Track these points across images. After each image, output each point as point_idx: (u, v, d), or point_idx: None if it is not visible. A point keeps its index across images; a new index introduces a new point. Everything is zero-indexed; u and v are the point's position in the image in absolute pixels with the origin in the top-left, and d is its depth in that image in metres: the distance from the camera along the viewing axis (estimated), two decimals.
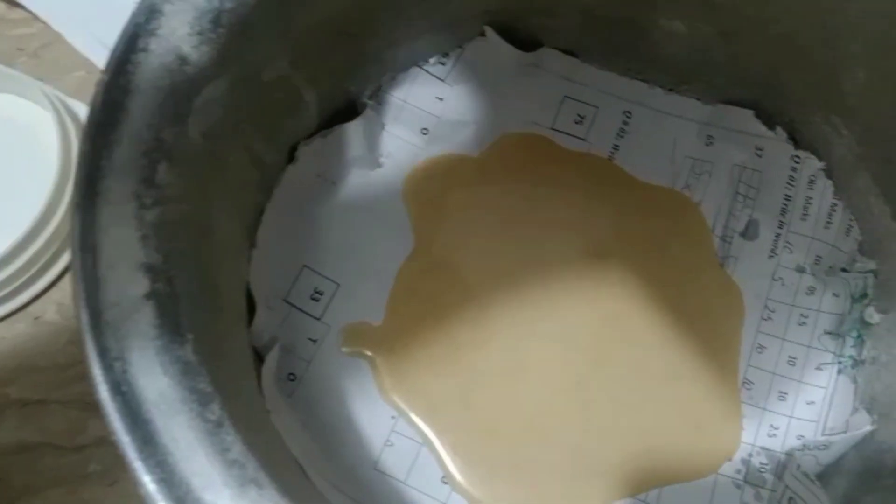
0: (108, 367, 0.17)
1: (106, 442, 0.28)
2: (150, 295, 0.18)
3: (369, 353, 0.29)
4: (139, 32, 0.19)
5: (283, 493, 0.17)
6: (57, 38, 0.34)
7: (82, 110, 0.32)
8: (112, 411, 0.16)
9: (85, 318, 0.17)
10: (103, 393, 0.16)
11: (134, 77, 0.19)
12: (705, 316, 0.30)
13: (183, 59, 0.20)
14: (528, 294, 0.30)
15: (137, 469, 0.16)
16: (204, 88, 0.20)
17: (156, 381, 0.17)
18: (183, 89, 0.20)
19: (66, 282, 0.31)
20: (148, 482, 0.16)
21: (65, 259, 0.31)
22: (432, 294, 0.30)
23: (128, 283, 0.17)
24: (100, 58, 0.33)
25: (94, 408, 0.28)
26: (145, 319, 0.17)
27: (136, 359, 0.17)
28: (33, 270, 0.30)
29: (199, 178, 0.21)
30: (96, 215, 0.18)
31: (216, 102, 0.21)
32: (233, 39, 0.21)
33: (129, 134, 0.19)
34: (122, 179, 0.18)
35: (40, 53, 0.34)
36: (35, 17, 0.34)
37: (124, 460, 0.16)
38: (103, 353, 0.17)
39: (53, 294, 0.31)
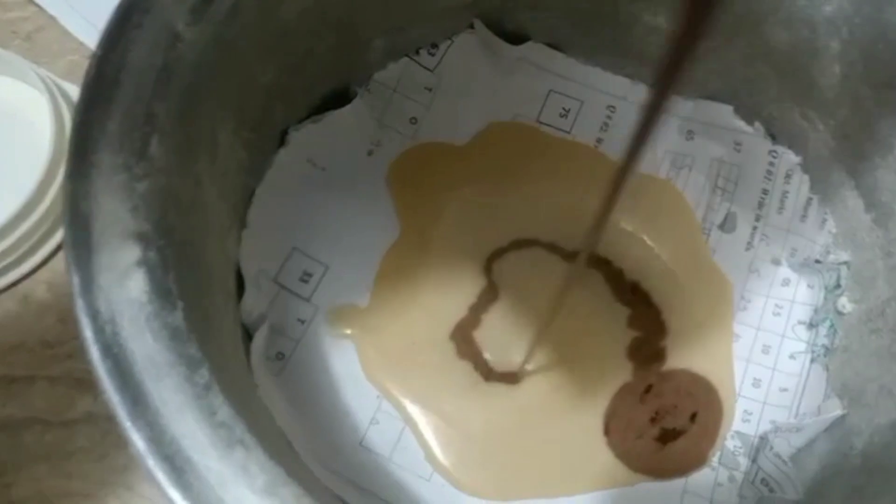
0: (99, 330, 0.17)
1: (94, 417, 0.28)
2: (141, 262, 0.18)
3: (355, 334, 0.29)
4: (133, 8, 0.20)
5: (270, 455, 0.18)
6: (50, 22, 0.34)
7: (75, 92, 0.32)
8: (103, 372, 0.17)
9: (77, 282, 0.17)
10: (94, 354, 0.17)
11: (128, 53, 0.20)
12: (693, 303, 0.31)
13: (176, 37, 0.20)
14: (510, 279, 0.31)
15: (128, 428, 0.16)
16: (197, 66, 0.21)
17: (145, 345, 0.17)
18: (175, 67, 0.20)
19: (57, 262, 0.31)
20: (138, 440, 0.16)
21: (56, 239, 0.31)
22: (416, 278, 0.30)
23: (119, 250, 0.18)
24: (92, 41, 0.33)
25: (82, 384, 0.29)
26: (136, 285, 0.18)
27: (126, 323, 0.17)
28: (23, 249, 0.30)
29: (190, 155, 0.21)
30: (89, 185, 0.18)
31: (208, 81, 0.22)
32: (224, 21, 0.22)
33: (122, 108, 0.19)
34: (114, 151, 0.19)
35: (33, 37, 0.34)
36: (29, 1, 0.34)
37: (115, 420, 0.17)
38: (94, 316, 0.17)
39: (43, 274, 0.31)
